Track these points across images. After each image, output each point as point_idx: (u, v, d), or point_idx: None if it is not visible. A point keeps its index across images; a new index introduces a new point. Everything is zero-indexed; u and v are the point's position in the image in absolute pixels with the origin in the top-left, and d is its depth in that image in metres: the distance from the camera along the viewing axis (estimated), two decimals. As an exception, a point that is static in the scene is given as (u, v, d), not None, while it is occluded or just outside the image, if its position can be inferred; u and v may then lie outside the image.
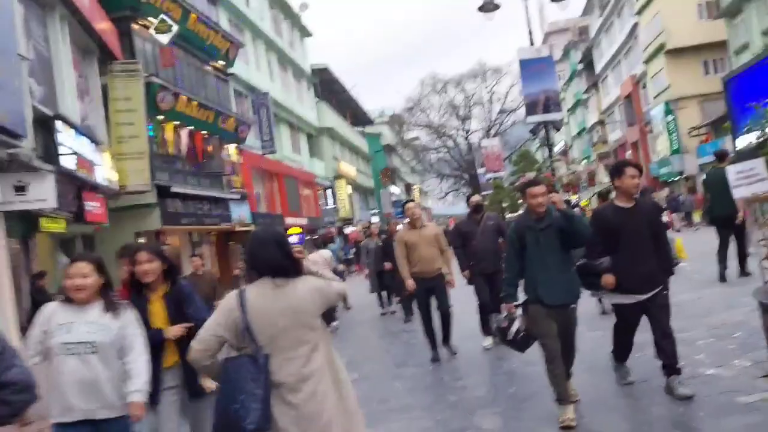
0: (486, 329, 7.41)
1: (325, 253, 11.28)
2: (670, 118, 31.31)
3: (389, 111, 57.40)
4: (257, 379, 2.50)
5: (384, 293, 12.58)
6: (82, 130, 10.81)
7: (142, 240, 15.47)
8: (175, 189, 15.53)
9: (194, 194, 16.73)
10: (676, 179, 31.75)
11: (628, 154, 38.00)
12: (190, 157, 16.99)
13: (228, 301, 2.68)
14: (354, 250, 25.35)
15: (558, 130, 15.40)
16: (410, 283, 7.05)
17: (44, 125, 9.18)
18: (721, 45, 27.95)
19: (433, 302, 7.16)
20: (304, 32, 34.56)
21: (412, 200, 8.42)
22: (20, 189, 7.67)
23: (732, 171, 5.46)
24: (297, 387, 2.57)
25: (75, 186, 10.31)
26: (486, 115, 45.52)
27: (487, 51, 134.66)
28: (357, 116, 45.38)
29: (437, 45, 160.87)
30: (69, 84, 10.84)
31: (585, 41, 47.64)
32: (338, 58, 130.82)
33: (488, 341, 7.30)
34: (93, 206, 11.21)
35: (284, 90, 29.10)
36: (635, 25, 35.41)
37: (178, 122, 16.10)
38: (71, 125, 9.97)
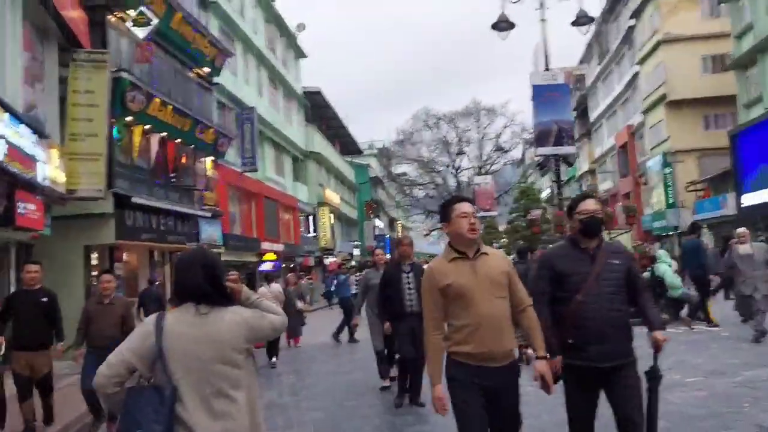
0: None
1: (274, 287, 11.25)
2: (667, 170, 30.42)
3: (379, 144, 56.37)
4: (159, 412, 2.28)
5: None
6: (23, 118, 9.18)
7: (94, 255, 13.77)
8: (136, 200, 13.86)
9: (159, 207, 15.05)
10: (670, 234, 30.67)
11: (619, 206, 37.06)
12: (158, 166, 15.38)
13: (144, 325, 2.44)
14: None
15: (571, 165, 14.10)
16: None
17: (-34, 103, 7.56)
18: (724, 100, 27.53)
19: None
20: (299, 53, 33.41)
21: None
22: None
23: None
24: (208, 427, 2.32)
25: (3, 182, 8.64)
26: (478, 154, 44.48)
27: (482, 93, 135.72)
28: (346, 145, 44.12)
29: (432, 85, 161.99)
30: (12, 63, 9.25)
31: (580, 89, 47.22)
32: (331, 85, 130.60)
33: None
34: (27, 209, 9.50)
35: (272, 108, 27.70)
36: (635, 75, 34.85)
37: (148, 126, 14.53)
38: (6, 108, 8.33)
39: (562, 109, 12.82)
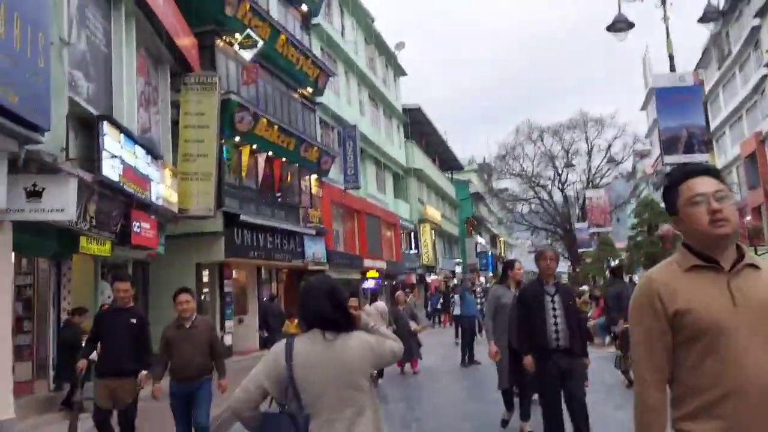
0: None
1: (380, 306, 10.04)
2: (805, 180, 27.43)
3: (479, 159, 55.41)
4: None
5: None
6: (138, 140, 9.48)
7: (205, 272, 14.11)
8: (244, 218, 14.12)
9: (265, 225, 15.26)
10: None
11: (747, 220, 33.97)
12: (265, 185, 15.63)
13: (275, 351, 2.52)
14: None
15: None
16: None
17: (86, 126, 7.84)
18: None
19: None
20: (399, 71, 33.46)
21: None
22: (33, 194, 6.17)
23: None
24: None
25: (120, 202, 8.92)
26: (586, 167, 42.51)
27: (587, 104, 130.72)
28: (446, 161, 43.64)
29: (533, 99, 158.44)
30: (129, 88, 9.60)
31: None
32: (431, 101, 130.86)
33: None
34: (142, 228, 9.79)
35: (373, 126, 27.80)
36: (763, 78, 31.97)
37: (255, 146, 14.81)
38: (122, 130, 8.60)
39: (693, 113, 11.62)
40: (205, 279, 14.11)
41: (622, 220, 38.20)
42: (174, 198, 11.16)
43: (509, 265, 6.82)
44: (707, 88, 42.97)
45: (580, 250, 34.09)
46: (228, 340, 14.12)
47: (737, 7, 36.13)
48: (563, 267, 42.10)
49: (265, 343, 14.61)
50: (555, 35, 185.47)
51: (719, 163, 41.17)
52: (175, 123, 12.04)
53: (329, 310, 2.49)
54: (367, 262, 24.03)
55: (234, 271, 15.34)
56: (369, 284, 22.83)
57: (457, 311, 13.85)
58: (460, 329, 13.42)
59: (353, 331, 2.51)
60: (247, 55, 13.55)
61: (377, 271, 24.64)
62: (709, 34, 39.49)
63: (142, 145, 9.54)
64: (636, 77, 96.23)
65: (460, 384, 10.44)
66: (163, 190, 10.41)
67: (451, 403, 8.76)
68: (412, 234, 33.05)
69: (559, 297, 4.98)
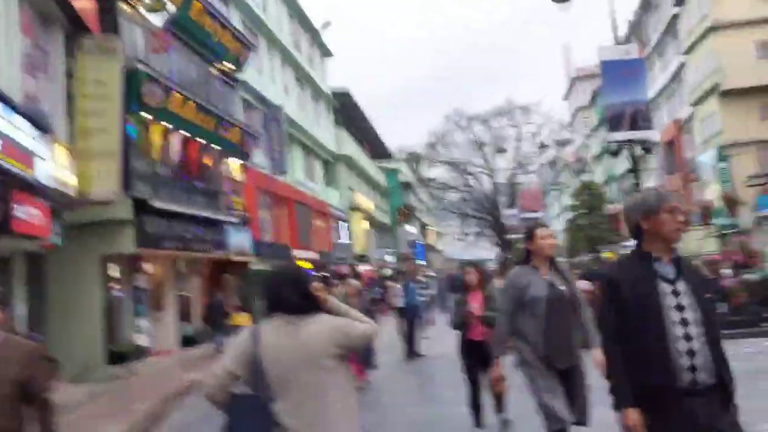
0: None
1: (353, 282, 9.52)
2: (722, 165, 28.33)
3: (408, 148, 54.89)
4: (257, 418, 2.45)
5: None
6: (20, 109, 7.95)
7: (111, 265, 12.55)
8: (157, 204, 12.63)
9: (182, 213, 13.80)
10: (727, 233, 28.54)
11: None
12: (180, 168, 14.15)
13: (242, 336, 2.66)
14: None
15: (648, 152, 12.37)
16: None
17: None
18: None
19: None
20: (325, 51, 32.17)
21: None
22: None
23: None
24: (305, 431, 2.45)
25: (-5, 181, 7.41)
26: (514, 154, 42.72)
27: (514, 94, 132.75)
28: (376, 148, 42.74)
29: (461, 88, 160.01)
30: (8, 48, 8.03)
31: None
32: (358, 87, 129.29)
33: None
34: (30, 214, 8.27)
35: (300, 109, 26.46)
36: (681, 66, 32.85)
37: (168, 124, 13.31)
38: (-4, 95, 7.09)
39: (637, 87, 11.11)
40: (113, 273, 12.56)
41: (549, 206, 38.56)
42: (71, 180, 9.62)
43: (533, 230, 4.09)
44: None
45: (508, 236, 34.11)
46: (142, 340, 12.66)
47: (657, -4, 37.02)
48: (491, 254, 42.24)
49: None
50: (488, 24, 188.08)
51: (637, 151, 42.26)
52: (71, 95, 10.46)
53: (294, 296, 2.56)
54: (297, 253, 22.78)
55: (147, 265, 13.82)
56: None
57: (400, 302, 12.82)
58: (405, 321, 12.51)
59: (319, 314, 2.57)
60: (155, 19, 12.05)
61: (309, 262, 23.44)
62: (628, 24, 40.42)
63: (26, 116, 8.02)
64: (559, 68, 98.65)
65: (406, 382, 9.50)
66: (54, 169, 8.89)
67: (402, 404, 7.79)
68: (343, 223, 32.00)
69: (688, 286, 2.56)
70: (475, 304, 5.51)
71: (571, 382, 3.88)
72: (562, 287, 3.97)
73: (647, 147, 11.81)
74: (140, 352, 12.35)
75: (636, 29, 40.14)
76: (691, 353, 2.45)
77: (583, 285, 7.42)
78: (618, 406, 2.52)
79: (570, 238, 17.69)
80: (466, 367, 5.62)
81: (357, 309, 2.87)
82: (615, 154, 11.89)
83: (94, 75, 10.46)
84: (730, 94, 27.94)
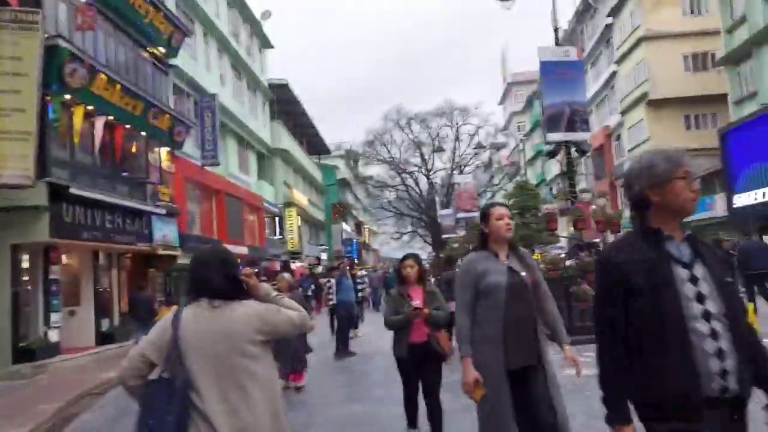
0: None
1: (287, 276, 8.45)
2: (648, 172, 29.45)
3: (347, 145, 54.58)
4: (170, 403, 2.33)
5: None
6: None
7: (22, 255, 11.68)
8: (76, 191, 11.85)
9: (104, 201, 13.03)
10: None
11: (594, 208, 36.21)
12: (104, 154, 13.35)
13: (164, 320, 2.55)
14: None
15: (585, 153, 12.52)
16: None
17: None
18: (706, 99, 27.36)
19: None
20: (265, 42, 31.40)
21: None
22: None
23: None
24: (224, 417, 2.34)
25: None
26: (451, 155, 43.16)
27: (455, 95, 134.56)
28: (313, 144, 42.18)
29: (402, 89, 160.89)
30: None
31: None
32: (298, 82, 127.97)
33: None
34: (-75, 195, 7.48)
35: (236, 99, 25.68)
36: (613, 74, 34.01)
37: (91, 107, 12.51)
38: None
39: (576, 89, 11.24)
40: (25, 264, 11.69)
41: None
42: (-23, 161, 8.84)
43: (487, 210, 3.67)
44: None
45: (444, 236, 34.33)
46: (54, 336, 11.83)
47: (591, 6, 38.17)
48: (425, 254, 42.49)
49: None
50: (429, 26, 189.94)
51: (572, 150, 43.51)
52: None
53: (219, 278, 2.49)
54: (227, 247, 22.09)
55: (63, 256, 12.96)
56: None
57: (333, 299, 12.47)
58: (336, 318, 12.19)
59: (245, 299, 2.51)
60: (81, -6, 11.29)
61: (239, 257, 22.76)
62: (563, 32, 41.52)
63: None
64: (496, 75, 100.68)
65: (337, 380, 9.20)
66: (-43, 148, 8.11)
67: (332, 402, 7.49)
68: (277, 218, 31.35)
69: (706, 271, 2.06)
70: (417, 301, 5.08)
71: (530, 384, 3.38)
72: (523, 273, 3.49)
73: (584, 149, 11.99)
74: (51, 349, 11.54)
75: (571, 38, 41.26)
76: (720, 354, 1.95)
77: None
78: (611, 420, 2.04)
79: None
80: (405, 370, 5.21)
81: None
82: (552, 155, 11.98)
83: (10, 50, 9.72)
84: (658, 104, 29.10)
